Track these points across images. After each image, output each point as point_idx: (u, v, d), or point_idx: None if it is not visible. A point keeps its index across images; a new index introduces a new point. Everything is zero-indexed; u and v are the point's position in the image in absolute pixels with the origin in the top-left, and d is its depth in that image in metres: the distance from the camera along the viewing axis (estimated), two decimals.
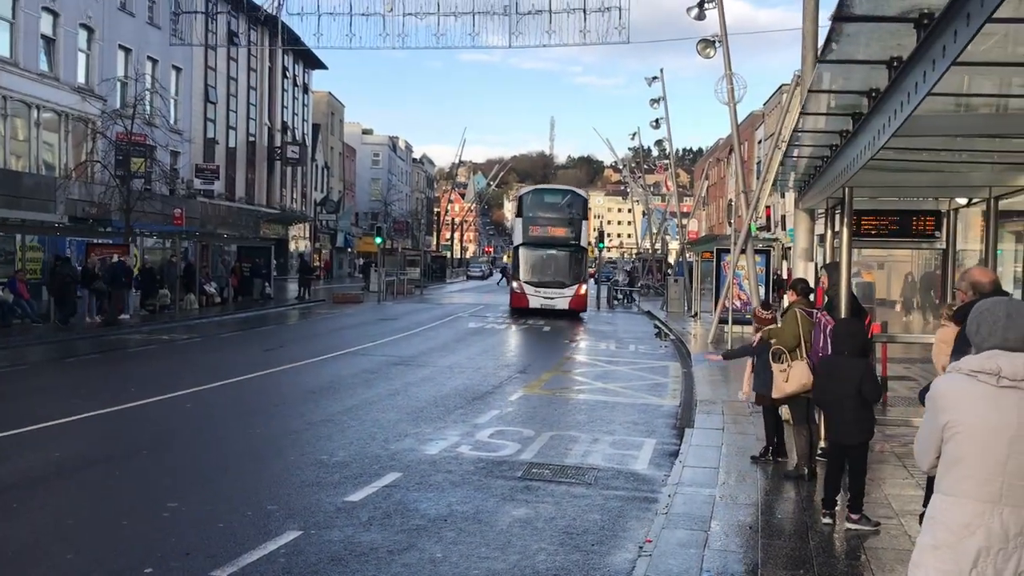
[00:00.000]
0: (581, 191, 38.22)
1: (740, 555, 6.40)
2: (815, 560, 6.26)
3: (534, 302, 32.88)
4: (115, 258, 26.87)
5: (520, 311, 33.10)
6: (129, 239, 28.94)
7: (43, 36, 32.72)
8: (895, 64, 4.76)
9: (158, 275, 30.60)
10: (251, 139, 51.37)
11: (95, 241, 29.47)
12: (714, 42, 22.24)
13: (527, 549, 6.77)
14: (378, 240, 50.92)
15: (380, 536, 6.89)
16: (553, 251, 33.70)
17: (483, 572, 6.23)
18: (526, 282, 33.34)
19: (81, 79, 34.76)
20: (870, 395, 6.95)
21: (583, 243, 34.36)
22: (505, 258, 40.27)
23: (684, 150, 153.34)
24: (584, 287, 34.19)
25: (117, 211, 30.99)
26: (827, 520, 7.06)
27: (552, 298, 32.76)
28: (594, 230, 46.71)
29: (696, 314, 30.76)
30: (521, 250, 34.15)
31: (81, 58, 34.99)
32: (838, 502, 7.12)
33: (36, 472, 8.81)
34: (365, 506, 7.69)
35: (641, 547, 6.71)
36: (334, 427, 11.23)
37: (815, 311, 8.81)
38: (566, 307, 32.89)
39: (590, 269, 41.13)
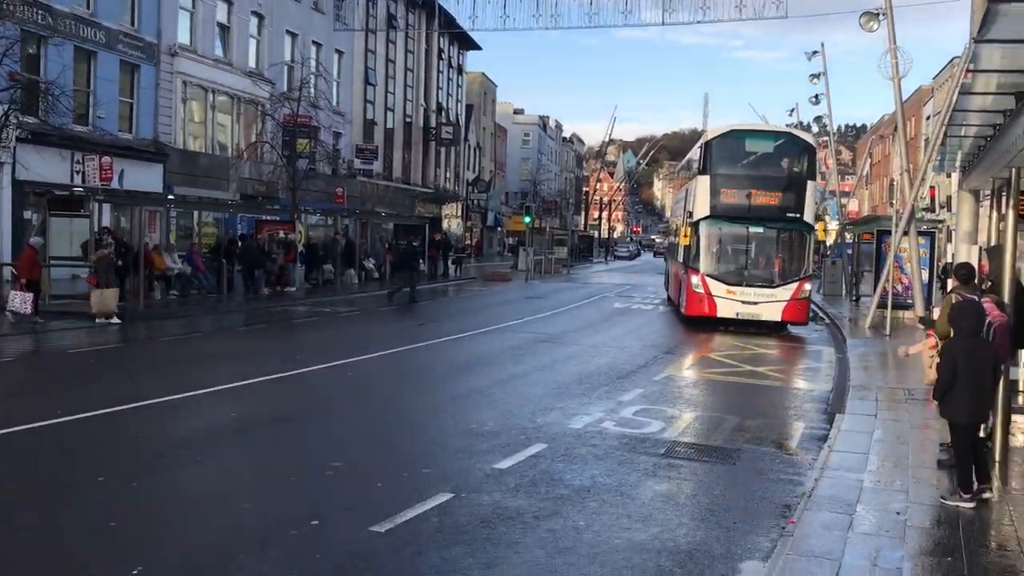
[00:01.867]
0: (806, 135, 23.87)
1: (886, 540, 6.34)
2: (964, 549, 6.13)
3: (726, 309, 21.00)
4: (281, 234, 28.52)
5: (699, 322, 21.54)
6: (295, 216, 30.51)
7: (218, 24, 34.81)
8: None
9: (321, 251, 32.12)
10: (408, 120, 52.92)
11: (264, 218, 31.28)
12: (878, 15, 21.33)
13: (668, 523, 6.93)
14: (527, 219, 51.52)
15: (526, 502, 7.20)
16: (760, 229, 21.51)
17: (624, 542, 6.43)
18: (712, 276, 21.22)
19: (252, 64, 36.79)
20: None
21: (808, 216, 21.08)
22: (680, 237, 24.21)
23: (846, 126, 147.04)
24: (807, 287, 21.23)
25: (284, 190, 32.76)
26: (966, 503, 7.02)
27: (755, 303, 20.87)
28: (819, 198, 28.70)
29: (856, 298, 29.71)
30: (705, 227, 21.57)
31: (252, 44, 37.01)
32: (975, 483, 7.10)
33: (215, 430, 9.63)
34: (512, 474, 8.03)
35: (784, 528, 6.74)
36: (483, 399, 11.67)
37: (974, 297, 8.47)
38: (777, 317, 20.88)
39: (815, 258, 25.98)
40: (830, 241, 57.60)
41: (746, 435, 10.12)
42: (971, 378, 7.09)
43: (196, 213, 28.52)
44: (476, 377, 13.52)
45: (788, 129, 24.28)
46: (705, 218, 21.35)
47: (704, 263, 21.28)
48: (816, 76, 38.35)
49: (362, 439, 9.45)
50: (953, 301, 8.15)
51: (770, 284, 20.94)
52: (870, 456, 8.72)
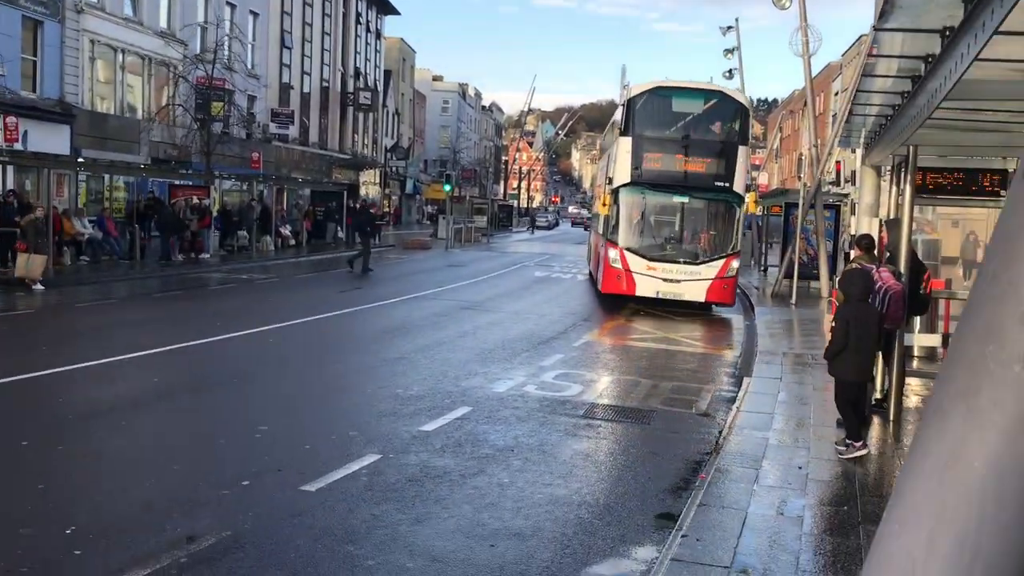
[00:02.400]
0: (738, 94, 20.96)
1: (789, 492, 6.81)
2: (859, 498, 6.65)
3: (645, 287, 18.76)
4: (195, 199, 27.99)
5: (617, 300, 19.61)
6: (209, 181, 29.95)
7: None
8: (947, 33, 4.99)
9: (236, 217, 31.64)
10: (324, 85, 52.14)
11: (176, 183, 30.60)
12: None
13: (587, 479, 7.29)
14: (447, 188, 51.48)
15: (452, 462, 7.47)
16: (686, 199, 19.25)
17: (546, 497, 6.76)
18: (632, 251, 18.98)
19: (163, 24, 35.72)
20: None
21: (739, 186, 19.03)
22: (598, 206, 23.51)
23: (758, 100, 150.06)
24: (734, 264, 19.01)
25: (198, 154, 32.09)
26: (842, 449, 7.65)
27: (678, 281, 18.64)
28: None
29: (764, 268, 30.74)
30: (625, 195, 19.31)
31: (163, 2, 35.91)
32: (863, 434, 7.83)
33: (136, 396, 9.61)
34: (438, 435, 8.27)
35: (694, 483, 7.17)
36: (408, 364, 11.87)
37: (874, 267, 9.03)
38: (701, 298, 18.77)
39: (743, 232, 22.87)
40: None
41: (660, 397, 10.58)
42: (858, 341, 7.66)
43: (107, 177, 27.72)
44: (400, 343, 13.69)
45: (720, 88, 21.18)
46: (625, 185, 18.95)
47: (623, 235, 19.02)
48: (730, 51, 39.20)
49: (287, 404, 9.57)
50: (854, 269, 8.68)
51: (695, 260, 18.70)
52: (775, 416, 9.25)
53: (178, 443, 7.81)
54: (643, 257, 18.80)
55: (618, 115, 20.58)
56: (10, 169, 24.54)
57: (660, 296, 18.59)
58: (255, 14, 42.76)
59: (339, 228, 39.57)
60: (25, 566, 5.00)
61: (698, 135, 19.04)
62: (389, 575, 5.21)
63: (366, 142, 60.69)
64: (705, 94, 19.93)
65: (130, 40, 33.58)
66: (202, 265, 25.65)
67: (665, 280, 18.55)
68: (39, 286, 18.04)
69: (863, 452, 7.69)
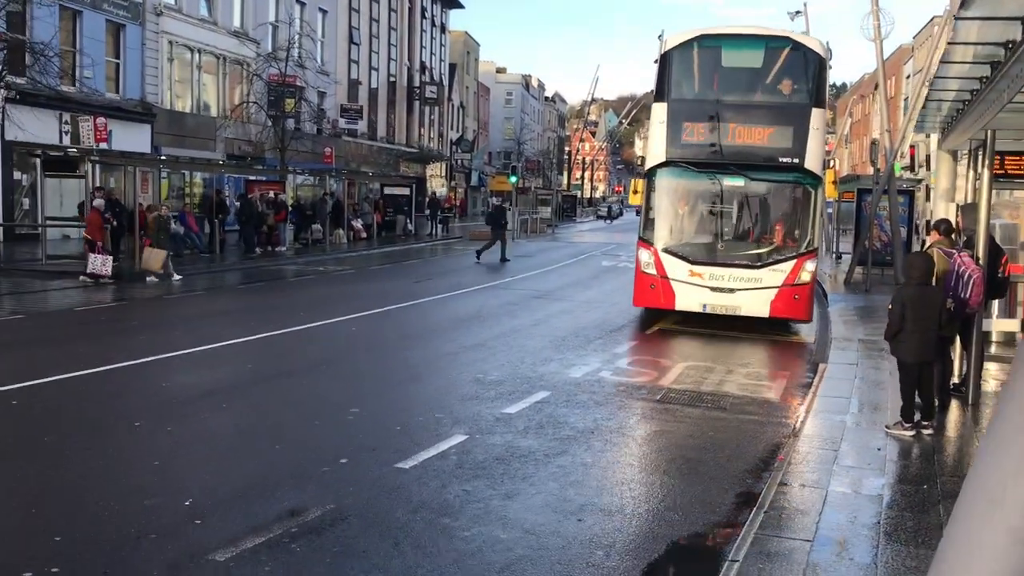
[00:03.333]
0: (810, 40, 15.90)
1: (868, 471, 6.95)
2: (938, 478, 6.76)
3: (688, 298, 14.61)
4: (271, 194, 28.80)
5: (654, 316, 15.64)
6: (284, 177, 30.76)
7: None
8: None
9: (309, 211, 32.42)
10: (391, 79, 52.90)
11: (251, 178, 31.48)
12: None
13: (668, 459, 7.53)
14: (512, 179, 51.83)
15: (536, 443, 7.76)
16: (741, 182, 14.80)
17: (628, 476, 7.02)
18: (670, 252, 14.74)
19: (237, 23, 36.73)
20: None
21: (812, 162, 14.47)
22: (632, 197, 16.06)
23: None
24: (808, 266, 14.38)
25: (272, 150, 32.97)
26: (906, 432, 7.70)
27: (731, 290, 14.39)
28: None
29: (837, 255, 30.41)
30: (661, 179, 15.12)
31: (236, 3, 36.89)
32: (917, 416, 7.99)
33: (235, 381, 10.12)
34: (520, 418, 8.58)
35: (773, 463, 7.35)
36: (486, 351, 12.21)
37: (955, 251, 9.05)
38: (764, 311, 14.39)
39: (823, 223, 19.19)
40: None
41: (735, 383, 10.73)
42: (918, 322, 7.78)
43: (186, 174, 28.69)
44: (476, 331, 14.05)
45: (786, 32, 16.47)
46: (661, 166, 14.67)
47: (658, 232, 14.72)
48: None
49: (374, 388, 9.97)
50: (934, 255, 8.73)
51: (754, 263, 14.24)
52: (852, 400, 9.34)
53: (276, 424, 8.25)
54: (684, 260, 14.34)
55: (656, 70, 15.15)
56: (97, 167, 25.54)
57: (708, 310, 14.27)
58: (324, 11, 43.63)
59: (408, 221, 40.19)
60: (153, 532, 5.44)
61: (757, 96, 14.80)
62: (485, 545, 5.52)
63: (432, 135, 61.38)
64: (766, 41, 15.18)
65: (206, 40, 34.63)
66: (279, 258, 26.42)
67: (714, 290, 14.13)
68: (153, 278, 19.33)
69: (910, 435, 7.79)
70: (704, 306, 14.36)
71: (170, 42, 32.70)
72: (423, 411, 8.76)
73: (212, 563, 5.04)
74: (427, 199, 45.05)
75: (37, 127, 24.37)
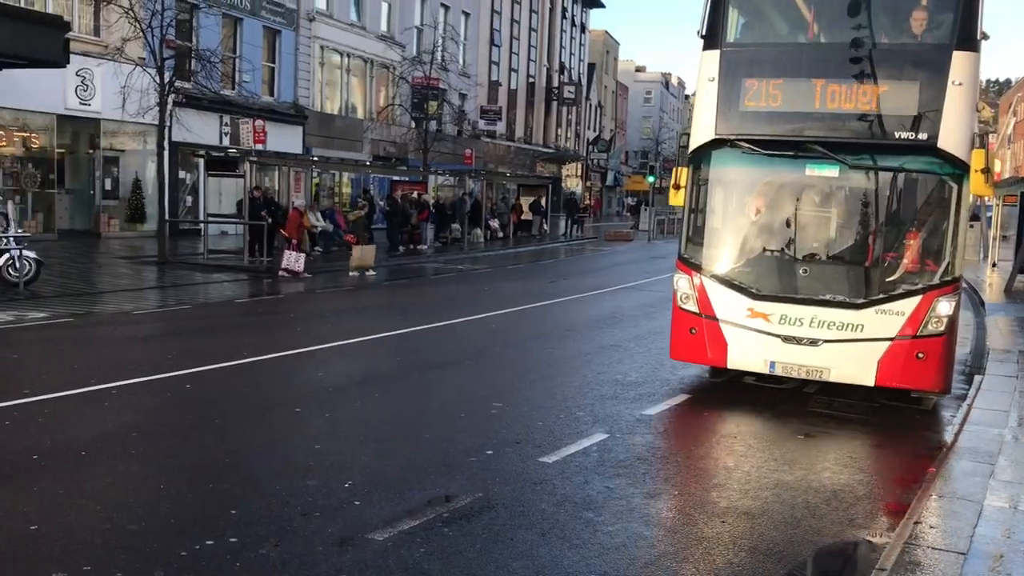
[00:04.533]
0: None
1: None
2: None
3: (748, 352, 9.43)
4: (414, 194, 29.69)
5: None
6: (426, 177, 31.61)
7: None
8: None
9: (449, 210, 33.17)
10: (530, 80, 53.44)
11: (395, 178, 32.50)
12: None
13: (813, 467, 7.43)
14: (650, 179, 51.46)
15: (677, 444, 7.83)
16: (834, 170, 9.26)
17: (772, 481, 6.98)
18: (723, 280, 9.62)
19: (384, 27, 37.97)
20: None
21: (952, 142, 8.75)
22: (673, 195, 10.10)
23: (987, 81, 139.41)
24: (943, 305, 8.83)
25: (415, 151, 33.94)
26: None
27: (815, 341, 9.10)
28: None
29: (994, 263, 28.85)
30: (710, 166, 9.89)
31: (384, 7, 38.15)
32: None
33: (385, 372, 10.58)
34: (661, 419, 8.65)
35: (925, 475, 7.15)
36: (623, 352, 12.29)
37: None
38: (867, 376, 9.04)
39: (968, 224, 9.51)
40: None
41: (886, 393, 10.41)
42: None
43: (336, 174, 29.90)
44: (613, 331, 14.14)
45: None
46: (710, 146, 9.68)
47: (705, 250, 9.86)
48: None
49: (515, 383, 10.23)
50: None
51: (854, 300, 9.14)
52: (1011, 413, 8.94)
53: (425, 414, 8.60)
54: (742, 292, 9.42)
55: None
56: (254, 167, 26.96)
57: (777, 371, 9.31)
58: (467, 14, 44.53)
59: (544, 221, 40.53)
60: (317, 511, 5.82)
61: (866, 34, 9.11)
62: (628, 540, 5.64)
63: (568, 135, 61.64)
64: None
65: (354, 44, 35.94)
66: (420, 256, 27.21)
67: (787, 340, 9.17)
68: (372, 272, 21.08)
69: None
70: (771, 365, 9.24)
71: (321, 47, 34.15)
72: (563, 408, 8.94)
73: (372, 541, 5.36)
74: (563, 199, 45.29)
75: (200, 129, 25.96)
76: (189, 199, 29.15)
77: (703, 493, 6.62)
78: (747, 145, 9.38)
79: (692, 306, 9.66)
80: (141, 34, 20.37)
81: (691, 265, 9.77)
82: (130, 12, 20.12)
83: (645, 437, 8.01)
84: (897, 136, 8.87)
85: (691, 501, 6.43)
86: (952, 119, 8.69)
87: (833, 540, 5.85)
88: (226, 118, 28.71)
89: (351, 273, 20.79)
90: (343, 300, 17.45)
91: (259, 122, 25.95)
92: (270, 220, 22.27)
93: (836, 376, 9.08)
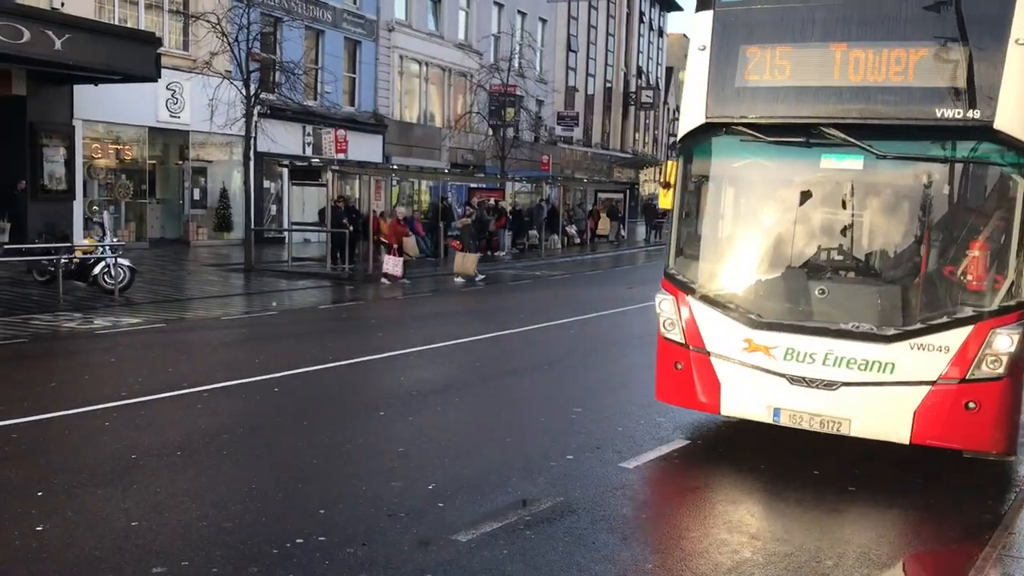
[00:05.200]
0: None
1: None
2: None
3: (747, 395, 7.31)
4: (491, 201, 29.93)
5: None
6: (504, 184, 31.81)
7: None
8: None
9: (526, 217, 33.32)
10: (607, 85, 53.32)
11: (472, 186, 32.81)
12: None
13: (905, 482, 7.27)
14: None
15: (763, 456, 7.73)
16: (858, 160, 7.10)
17: (856, 488, 6.85)
18: (715, 303, 7.53)
19: (461, 36, 38.37)
20: None
21: (1012, 122, 6.46)
22: (663, 196, 8.18)
23: None
24: (1001, 340, 6.47)
25: (492, 158, 34.19)
26: None
27: (832, 384, 6.92)
28: None
29: None
30: (704, 156, 7.90)
31: (461, 16, 38.56)
32: None
33: (465, 376, 10.71)
34: (744, 431, 8.55)
35: (1019, 483, 6.94)
36: None
37: None
38: (902, 431, 6.77)
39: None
40: None
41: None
42: None
43: (415, 181, 30.32)
44: None
45: None
46: (700, 132, 7.70)
47: (693, 264, 7.99)
48: None
49: (595, 389, 10.24)
50: None
51: (883, 332, 6.89)
52: None
53: (506, 418, 8.69)
54: (739, 318, 7.41)
55: None
56: (335, 176, 27.54)
57: (783, 422, 7.24)
58: (543, 20, 44.69)
59: (621, 226, 40.36)
60: (402, 512, 5.95)
61: None
62: (711, 546, 5.62)
63: (646, 140, 61.29)
64: None
65: (433, 53, 36.42)
66: (498, 262, 27.38)
67: (795, 381, 7.13)
68: (480, 277, 21.53)
69: None
70: (775, 413, 7.19)
71: (400, 56, 34.70)
72: (643, 414, 8.92)
73: (455, 543, 5.46)
74: (640, 204, 45.10)
75: (284, 139, 26.65)
76: (273, 208, 29.92)
77: (783, 505, 6.53)
78: (746, 131, 7.29)
79: (677, 335, 7.64)
80: (228, 48, 21.04)
81: (677, 283, 7.70)
82: (218, 27, 20.78)
83: (728, 447, 7.94)
84: (940, 115, 6.58)
85: (771, 510, 6.36)
86: (1015, 91, 6.44)
87: (927, 548, 5.72)
88: (309, 128, 29.40)
89: (455, 279, 21.30)
90: (424, 306, 17.68)
91: (341, 132, 26.53)
92: (351, 228, 22.72)
93: (859, 430, 6.88)
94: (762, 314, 7.26)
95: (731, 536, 5.80)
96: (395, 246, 21.82)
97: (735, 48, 7.39)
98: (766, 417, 7.22)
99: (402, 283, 20.21)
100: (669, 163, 8.00)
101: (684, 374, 7.59)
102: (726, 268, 7.80)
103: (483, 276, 21.74)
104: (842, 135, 6.89)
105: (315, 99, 29.39)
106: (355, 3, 32.28)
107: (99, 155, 23.84)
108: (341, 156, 26.25)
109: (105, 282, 15.79)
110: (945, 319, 6.71)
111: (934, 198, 7.22)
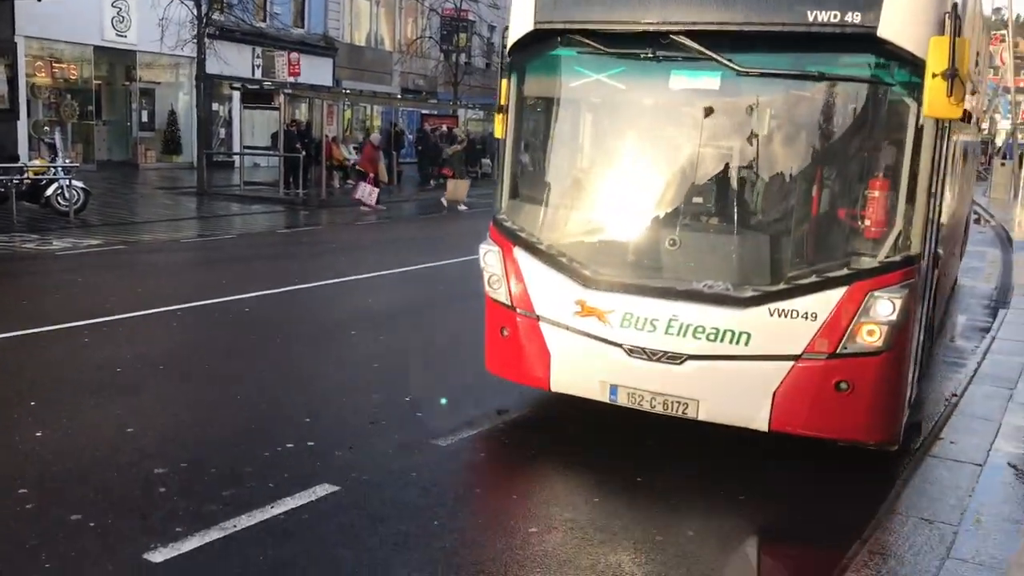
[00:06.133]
0: None
1: None
2: None
3: (577, 369, 6.03)
4: (444, 128, 29.90)
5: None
6: (457, 111, 31.75)
7: None
8: None
9: (479, 145, 33.34)
10: None
11: (425, 112, 32.67)
12: None
13: None
14: None
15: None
16: (715, 79, 5.62)
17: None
18: (544, 256, 6.08)
19: None
20: None
21: (903, 31, 5.03)
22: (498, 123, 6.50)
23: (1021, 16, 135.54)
24: (883, 305, 5.21)
25: (445, 84, 34.00)
26: None
27: (678, 357, 5.62)
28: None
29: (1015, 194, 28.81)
30: (534, 75, 6.34)
31: None
32: None
33: (429, 300, 11.09)
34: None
35: (948, 399, 7.57)
36: None
37: None
38: (759, 417, 5.54)
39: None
40: (999, 141, 54.55)
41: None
42: None
43: (366, 107, 30.11)
44: None
45: None
46: (530, 42, 6.14)
47: (527, 209, 6.43)
48: None
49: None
50: None
51: (737, 295, 5.54)
52: None
53: (475, 337, 9.06)
54: (571, 274, 6.00)
55: None
56: (286, 100, 27.25)
57: (621, 401, 5.91)
58: None
59: None
60: (383, 420, 6.34)
61: None
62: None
63: None
64: None
65: None
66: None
67: (634, 353, 5.77)
68: (463, 207, 21.77)
69: None
70: (612, 390, 5.94)
71: None
72: None
73: (436, 447, 5.88)
74: None
75: (235, 61, 26.19)
76: (223, 131, 29.54)
77: None
78: (583, 40, 5.87)
79: (503, 295, 6.33)
80: None
81: (506, 232, 6.29)
82: None
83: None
84: (812, 20, 5.19)
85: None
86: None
87: (858, 460, 6.28)
88: (259, 50, 28.90)
89: (444, 204, 21.70)
90: (380, 232, 17.90)
91: (294, 55, 26.19)
92: (304, 153, 22.65)
93: (709, 413, 5.66)
94: (599, 270, 5.88)
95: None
96: (371, 174, 21.84)
97: None
98: (601, 395, 5.94)
99: (379, 209, 20.38)
100: (501, 83, 6.45)
101: (511, 341, 6.30)
102: (561, 214, 6.35)
103: (467, 206, 22.01)
104: (693, 44, 5.46)
105: (265, 20, 28.85)
106: None
107: (42, 74, 23.26)
108: (293, 79, 25.94)
109: (59, 203, 15.69)
110: (813, 279, 5.36)
111: (808, 126, 5.88)
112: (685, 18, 5.46)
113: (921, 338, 6.28)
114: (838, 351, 5.30)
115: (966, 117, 6.77)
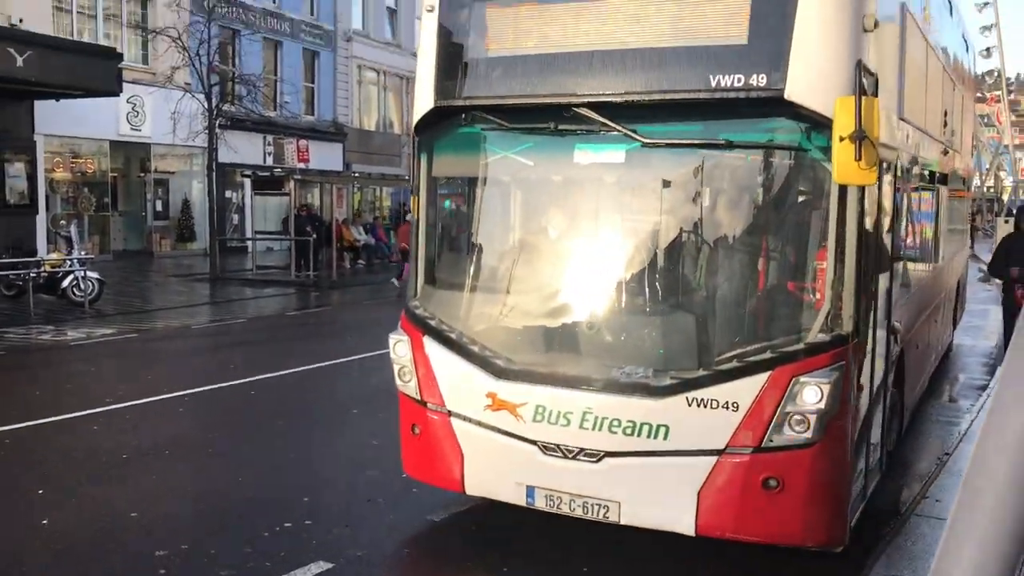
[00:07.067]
0: None
1: None
2: None
3: (490, 470, 5.48)
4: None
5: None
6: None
7: (387, 8, 37.07)
8: None
9: None
10: None
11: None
12: None
13: None
14: None
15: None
16: (619, 153, 5.35)
17: None
18: (452, 344, 5.57)
19: (417, 44, 38.89)
20: None
21: (812, 92, 4.59)
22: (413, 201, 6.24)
23: (1016, 75, 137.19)
24: (810, 393, 4.62)
25: None
26: None
27: (595, 455, 5.05)
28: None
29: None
30: (438, 153, 5.88)
31: (416, 25, 38.95)
32: None
33: None
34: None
35: (940, 458, 7.67)
36: None
37: None
38: (684, 521, 4.90)
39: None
40: (1006, 198, 54.65)
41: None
42: None
43: (376, 188, 30.80)
44: None
45: None
46: (433, 120, 5.70)
47: (436, 295, 5.97)
48: (988, 28, 37.07)
49: None
50: None
51: (654, 383, 4.97)
52: None
53: None
54: (482, 364, 5.44)
55: None
56: (296, 185, 27.94)
57: (537, 504, 5.30)
58: None
59: None
60: (380, 498, 6.54)
61: None
62: None
63: None
64: None
65: (390, 62, 36.92)
66: None
67: (548, 450, 5.19)
68: None
69: None
70: (529, 492, 5.33)
71: (358, 66, 35.16)
72: None
73: (430, 522, 6.05)
74: None
75: (245, 149, 26.99)
76: (235, 217, 30.22)
77: None
78: (484, 115, 5.53)
79: (412, 389, 5.75)
80: (189, 62, 21.38)
81: (415, 320, 5.77)
82: (178, 41, 21.13)
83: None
84: (716, 84, 4.77)
85: None
86: (811, 45, 4.66)
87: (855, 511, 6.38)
88: (269, 138, 29.76)
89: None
90: (389, 309, 18.16)
91: (303, 142, 26.92)
92: (314, 236, 23.16)
93: (629, 516, 5.06)
94: (511, 359, 5.36)
95: None
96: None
97: (471, 7, 5.59)
98: (518, 498, 5.36)
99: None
100: (413, 163, 6.04)
101: (423, 440, 5.72)
102: (473, 298, 5.97)
103: None
104: (597, 116, 5.07)
105: (275, 110, 29.75)
106: (313, 14, 32.69)
107: (61, 169, 24.04)
108: (303, 165, 26.64)
109: (74, 294, 16.11)
110: (734, 364, 4.80)
111: (725, 198, 5.51)
112: (586, 90, 5.10)
113: (883, 418, 6.02)
114: (763, 444, 4.72)
115: (938, 177, 6.81)
